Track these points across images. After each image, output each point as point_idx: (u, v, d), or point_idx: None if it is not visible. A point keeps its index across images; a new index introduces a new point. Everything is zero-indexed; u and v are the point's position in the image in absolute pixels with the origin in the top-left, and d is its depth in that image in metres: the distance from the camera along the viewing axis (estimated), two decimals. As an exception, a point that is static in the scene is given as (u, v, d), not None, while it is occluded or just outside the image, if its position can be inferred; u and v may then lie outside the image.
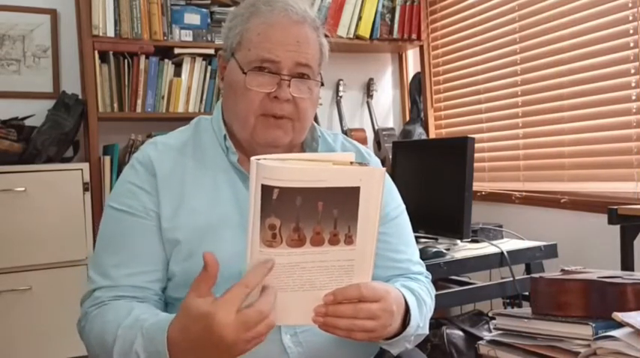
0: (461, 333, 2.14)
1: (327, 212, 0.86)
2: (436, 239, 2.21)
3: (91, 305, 1.08)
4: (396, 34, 3.27)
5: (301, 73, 1.12)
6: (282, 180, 0.82)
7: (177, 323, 0.90)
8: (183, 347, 0.90)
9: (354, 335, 0.95)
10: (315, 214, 0.85)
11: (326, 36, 1.19)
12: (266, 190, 0.82)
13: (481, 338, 1.47)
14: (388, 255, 1.18)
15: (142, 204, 1.11)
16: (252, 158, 0.83)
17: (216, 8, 2.89)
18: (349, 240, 0.88)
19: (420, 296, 1.13)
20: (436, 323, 2.17)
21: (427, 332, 1.14)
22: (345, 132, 3.25)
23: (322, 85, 1.18)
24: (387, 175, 0.99)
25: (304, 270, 0.89)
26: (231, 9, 2.81)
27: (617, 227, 1.91)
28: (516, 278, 2.05)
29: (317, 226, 0.86)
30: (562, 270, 1.44)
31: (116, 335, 0.99)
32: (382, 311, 0.95)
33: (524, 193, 2.72)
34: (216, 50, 2.81)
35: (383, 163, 1.37)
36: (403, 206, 1.28)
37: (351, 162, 0.89)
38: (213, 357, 0.87)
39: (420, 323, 1.10)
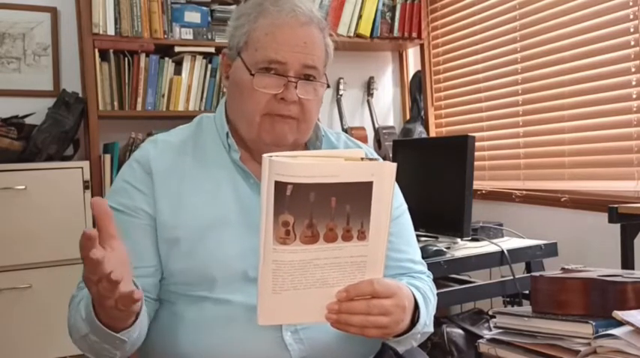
0: (461, 332, 2.15)
1: (340, 207, 0.86)
2: (436, 237, 2.21)
3: (76, 295, 1.07)
4: (396, 33, 3.27)
5: (307, 74, 1.12)
6: (296, 176, 0.82)
7: None
8: None
9: (367, 332, 0.94)
10: (328, 210, 0.85)
11: (331, 35, 1.19)
12: (279, 186, 0.82)
13: (481, 337, 1.47)
14: (390, 255, 1.17)
15: (134, 203, 1.11)
16: (264, 155, 0.83)
17: (216, 6, 2.88)
18: (362, 235, 0.88)
19: (425, 295, 1.14)
20: (436, 321, 2.16)
21: (432, 330, 1.14)
22: (345, 131, 3.24)
23: (328, 86, 1.18)
24: None
25: (317, 267, 0.88)
26: (234, 7, 2.81)
27: (618, 225, 1.92)
28: (516, 276, 2.05)
29: (330, 222, 0.86)
30: (562, 269, 1.44)
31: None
32: (395, 307, 0.95)
33: (524, 192, 2.72)
34: (217, 48, 2.81)
35: (383, 162, 1.37)
36: (405, 205, 1.29)
37: (362, 158, 0.89)
38: (95, 295, 0.89)
39: (427, 321, 1.10)
